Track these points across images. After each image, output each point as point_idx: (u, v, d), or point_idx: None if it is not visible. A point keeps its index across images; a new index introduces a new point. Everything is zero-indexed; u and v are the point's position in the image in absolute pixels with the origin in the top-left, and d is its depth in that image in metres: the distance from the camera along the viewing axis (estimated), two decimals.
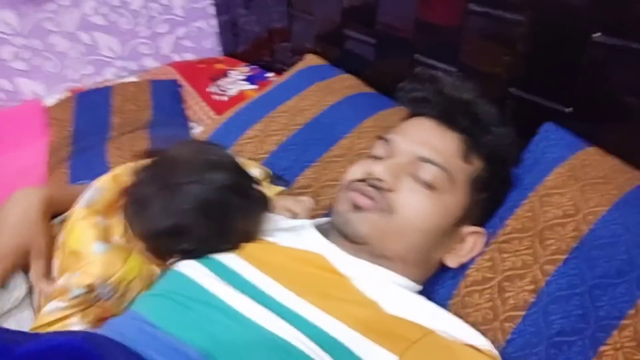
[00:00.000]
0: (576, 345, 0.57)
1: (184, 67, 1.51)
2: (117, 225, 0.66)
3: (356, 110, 1.00)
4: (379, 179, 0.62)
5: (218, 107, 1.29)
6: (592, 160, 0.73)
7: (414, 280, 0.65)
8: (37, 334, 0.52)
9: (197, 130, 1.19)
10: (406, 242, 0.62)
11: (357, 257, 0.62)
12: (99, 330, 0.55)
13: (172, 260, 0.64)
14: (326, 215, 0.85)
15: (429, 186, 0.63)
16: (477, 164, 0.67)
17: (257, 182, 0.69)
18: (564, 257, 0.63)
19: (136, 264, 0.64)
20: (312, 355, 0.50)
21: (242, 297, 0.55)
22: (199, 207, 0.60)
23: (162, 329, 0.52)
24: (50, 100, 1.38)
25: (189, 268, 0.60)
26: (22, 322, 0.63)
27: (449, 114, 0.68)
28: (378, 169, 0.63)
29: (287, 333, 0.52)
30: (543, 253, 0.64)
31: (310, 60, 1.21)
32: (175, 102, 1.23)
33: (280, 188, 0.85)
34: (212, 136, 1.05)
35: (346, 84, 1.09)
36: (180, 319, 0.54)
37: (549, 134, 0.78)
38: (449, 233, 0.65)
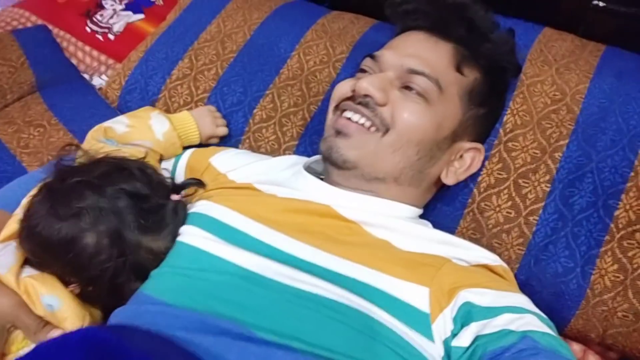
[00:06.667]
0: (593, 217, 0.61)
1: (39, 5, 1.18)
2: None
3: (292, 24, 0.88)
4: (366, 95, 0.60)
5: (109, 50, 1.05)
6: (553, 41, 0.74)
7: (413, 204, 0.63)
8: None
9: (99, 83, 0.97)
10: (398, 159, 0.60)
11: (352, 191, 0.60)
12: (121, 321, 0.50)
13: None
14: (298, 146, 0.77)
15: (420, 97, 0.60)
16: (473, 76, 0.63)
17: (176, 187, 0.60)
18: (566, 141, 0.65)
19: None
20: (346, 302, 0.49)
21: (256, 258, 0.52)
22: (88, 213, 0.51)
23: (183, 307, 0.48)
24: None
25: (189, 236, 0.56)
26: None
27: (441, 24, 0.63)
28: (362, 85, 0.60)
29: (314, 286, 0.50)
30: (547, 143, 0.65)
31: None
32: (56, 53, 0.97)
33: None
34: (127, 86, 0.87)
35: None
36: (199, 294, 0.50)
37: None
38: (443, 147, 0.63)
